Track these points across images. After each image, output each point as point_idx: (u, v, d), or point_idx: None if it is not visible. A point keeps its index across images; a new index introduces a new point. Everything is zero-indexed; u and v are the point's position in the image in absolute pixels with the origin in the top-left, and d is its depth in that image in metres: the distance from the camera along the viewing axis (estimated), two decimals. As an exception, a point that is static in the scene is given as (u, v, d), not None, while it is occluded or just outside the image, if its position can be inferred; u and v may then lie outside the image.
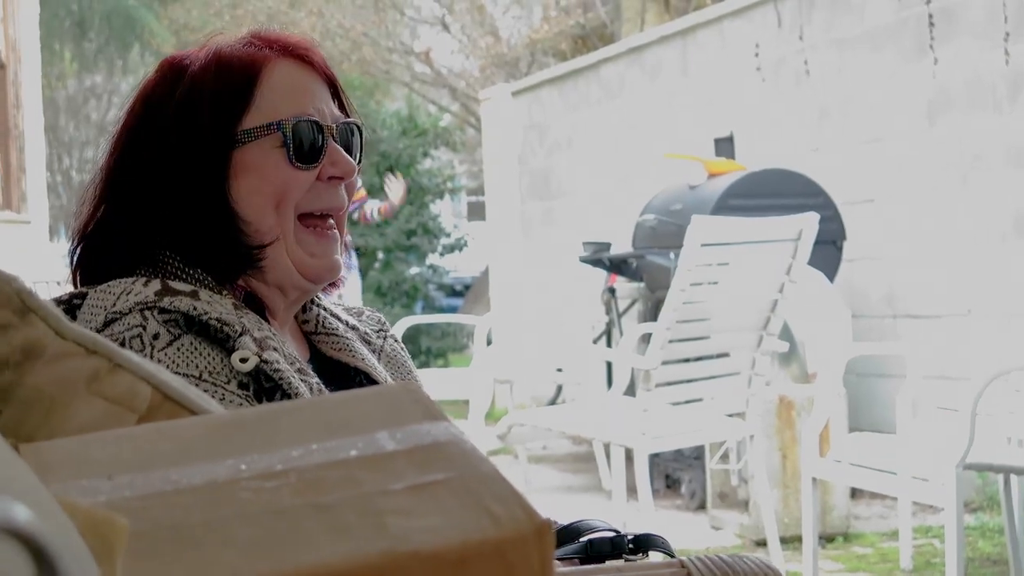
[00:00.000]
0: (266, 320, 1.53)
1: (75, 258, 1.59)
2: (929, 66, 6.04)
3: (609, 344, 6.92)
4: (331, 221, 1.58)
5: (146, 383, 0.99)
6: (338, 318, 1.69)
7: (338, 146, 1.57)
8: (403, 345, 1.76)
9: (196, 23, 17.89)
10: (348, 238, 1.69)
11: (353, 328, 1.69)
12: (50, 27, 18.62)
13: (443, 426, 0.85)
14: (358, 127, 1.62)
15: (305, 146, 1.54)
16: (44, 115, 9.17)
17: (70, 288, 1.53)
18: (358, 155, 1.61)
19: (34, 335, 0.98)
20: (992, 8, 5.73)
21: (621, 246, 6.93)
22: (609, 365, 6.81)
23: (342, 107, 1.62)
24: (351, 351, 1.62)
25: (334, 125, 1.57)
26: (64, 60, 23.50)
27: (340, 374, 1.59)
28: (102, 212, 1.56)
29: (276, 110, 1.54)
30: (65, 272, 1.67)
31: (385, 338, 1.73)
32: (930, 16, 6.01)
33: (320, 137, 1.55)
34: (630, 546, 1.37)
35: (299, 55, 1.58)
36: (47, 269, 7.58)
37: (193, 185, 1.52)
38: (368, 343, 1.68)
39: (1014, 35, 5.63)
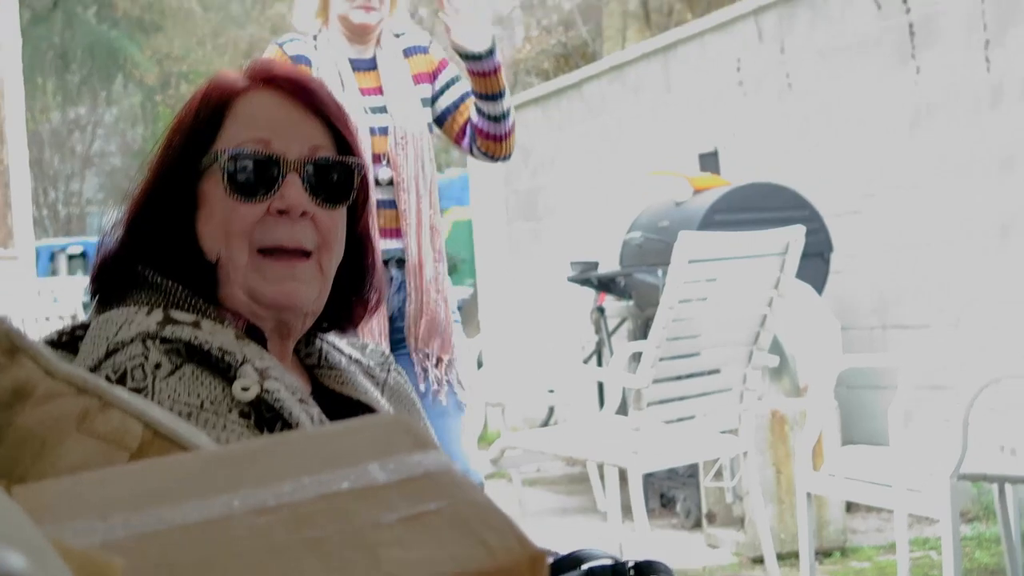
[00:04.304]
0: (267, 351, 1.52)
1: (94, 286, 1.58)
2: (911, 75, 6.06)
3: (599, 363, 6.92)
4: (303, 255, 1.53)
5: (137, 420, 0.99)
6: (341, 351, 1.68)
7: (298, 180, 1.51)
8: (407, 378, 1.75)
9: (179, 52, 17.92)
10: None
11: (356, 362, 1.68)
12: (32, 60, 18.60)
13: (433, 456, 0.86)
14: (348, 165, 1.56)
15: (243, 178, 1.50)
16: (28, 149, 9.13)
17: (59, 324, 1.53)
18: (349, 194, 1.55)
19: (23, 375, 0.97)
20: (971, 15, 5.75)
21: (609, 265, 6.94)
22: (600, 385, 6.81)
23: (342, 144, 1.57)
24: (353, 384, 1.61)
25: (301, 159, 1.52)
26: (47, 93, 23.50)
27: (342, 408, 1.57)
28: (118, 239, 1.57)
29: (230, 141, 1.52)
30: (52, 309, 1.67)
31: (389, 371, 1.72)
32: (911, 25, 6.04)
33: (274, 169, 1.51)
34: (631, 574, 1.35)
35: (282, 86, 1.55)
36: (35, 306, 7.56)
37: (165, 213, 1.53)
38: (371, 377, 1.68)
39: (993, 42, 5.65)
